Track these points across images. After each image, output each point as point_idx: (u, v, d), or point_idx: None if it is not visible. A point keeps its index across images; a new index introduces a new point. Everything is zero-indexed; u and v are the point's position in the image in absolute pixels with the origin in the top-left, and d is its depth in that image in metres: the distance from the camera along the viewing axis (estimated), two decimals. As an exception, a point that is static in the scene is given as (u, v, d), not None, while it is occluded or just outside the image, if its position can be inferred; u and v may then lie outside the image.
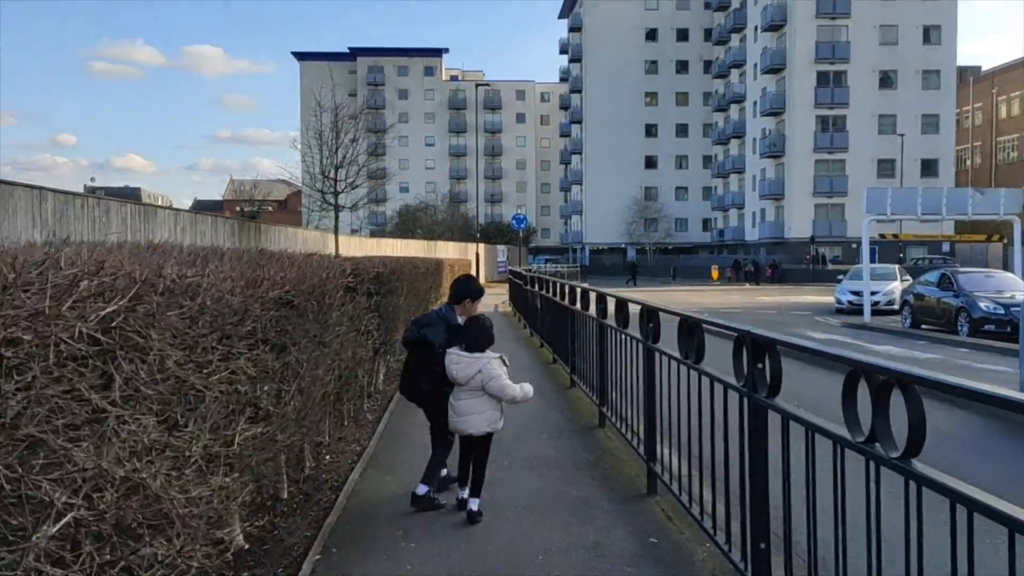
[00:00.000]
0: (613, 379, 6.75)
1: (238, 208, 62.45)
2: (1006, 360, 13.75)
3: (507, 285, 29.18)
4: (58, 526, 1.80)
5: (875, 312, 22.22)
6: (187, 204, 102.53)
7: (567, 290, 9.93)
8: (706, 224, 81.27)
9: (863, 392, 2.47)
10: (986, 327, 17.09)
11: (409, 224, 66.18)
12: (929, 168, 59.47)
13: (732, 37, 73.58)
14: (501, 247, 62.57)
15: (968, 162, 68.49)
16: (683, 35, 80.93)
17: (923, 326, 19.46)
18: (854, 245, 54.31)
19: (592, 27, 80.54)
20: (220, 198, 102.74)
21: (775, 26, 62.97)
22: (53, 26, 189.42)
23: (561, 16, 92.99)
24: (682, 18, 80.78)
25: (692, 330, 4.32)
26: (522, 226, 46.80)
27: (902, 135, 56.98)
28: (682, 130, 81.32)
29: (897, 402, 2.29)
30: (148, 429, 2.39)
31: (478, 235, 61.40)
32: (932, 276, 20.53)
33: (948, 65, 60.57)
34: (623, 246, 78.58)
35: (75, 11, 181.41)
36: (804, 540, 3.04)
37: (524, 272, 19.81)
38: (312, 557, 4.28)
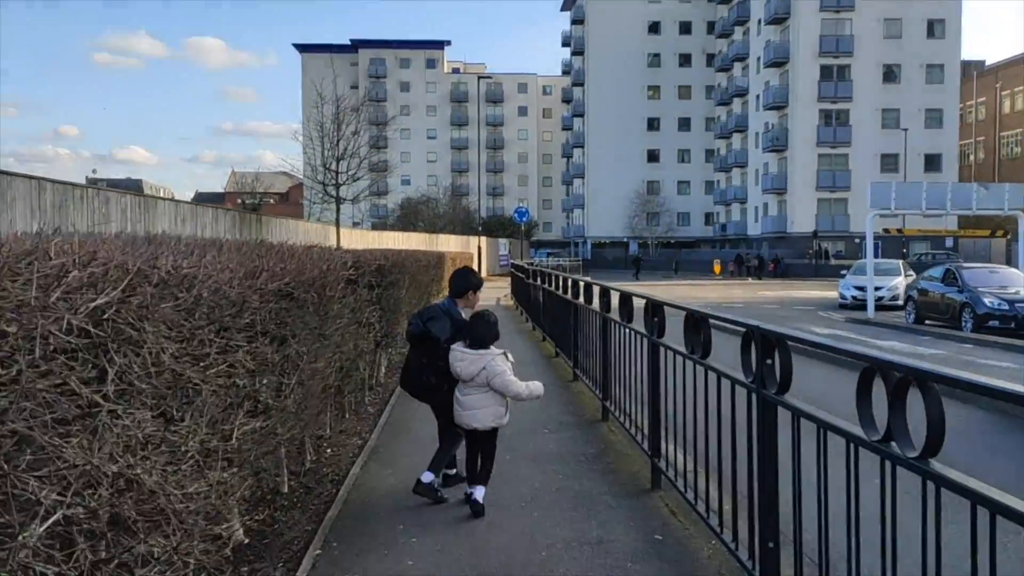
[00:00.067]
0: (616, 374, 6.69)
1: (240, 200, 62.40)
2: (1010, 356, 13.69)
3: (509, 279, 29.12)
4: (46, 525, 1.73)
5: (879, 307, 22.13)
6: (189, 196, 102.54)
7: (570, 284, 9.86)
8: (708, 218, 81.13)
9: (876, 389, 2.41)
10: (990, 323, 17.02)
11: (411, 217, 66.02)
12: (932, 163, 59.26)
13: (735, 30, 73.29)
14: (503, 240, 62.50)
15: (971, 157, 68.27)
16: (686, 28, 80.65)
17: (927, 322, 19.38)
18: (857, 240, 54.21)
19: (595, 20, 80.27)
20: (222, 190, 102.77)
21: (778, 19, 62.70)
22: (55, 17, 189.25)
23: (564, 8, 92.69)
24: (685, 11, 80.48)
25: (698, 325, 4.25)
26: (524, 219, 46.73)
27: (905, 130, 56.74)
28: (684, 124, 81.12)
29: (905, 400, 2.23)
30: (142, 424, 2.33)
31: (480, 228, 61.32)
32: (936, 272, 20.43)
33: (952, 59, 60.29)
34: (625, 240, 78.47)
35: (77, 2, 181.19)
36: (813, 540, 2.98)
37: (526, 266, 19.74)
38: (312, 552, 4.22)
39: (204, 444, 2.94)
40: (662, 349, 5.06)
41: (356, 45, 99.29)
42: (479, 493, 4.87)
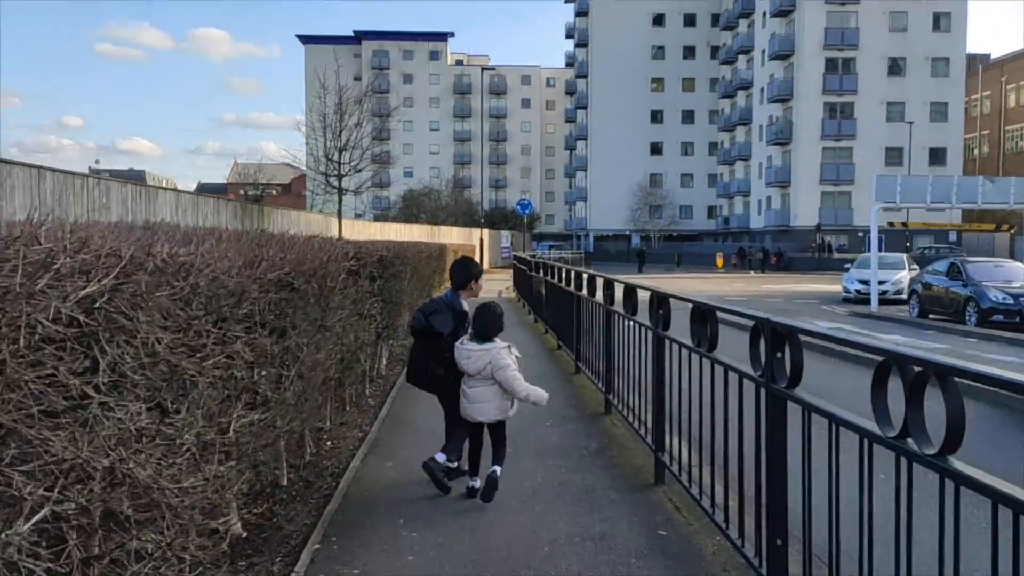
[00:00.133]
0: (620, 367, 6.62)
1: (242, 192, 62.30)
2: (1015, 350, 13.61)
3: (511, 271, 29.05)
4: (31, 522, 1.66)
5: (883, 301, 22.05)
6: (192, 188, 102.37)
7: (573, 276, 9.79)
8: (711, 211, 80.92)
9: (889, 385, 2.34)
10: (995, 317, 16.93)
11: (413, 209, 65.96)
12: (937, 157, 59.00)
13: (740, 23, 72.94)
14: (505, 233, 62.41)
15: (976, 151, 67.97)
16: (690, 20, 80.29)
17: (930, 316, 19.30)
18: (860, 234, 54.09)
19: (599, 12, 79.93)
20: (224, 181, 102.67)
21: (784, 12, 62.38)
22: (59, 7, 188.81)
23: (567, 0, 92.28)
24: (689, 3, 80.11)
25: (705, 318, 4.17)
26: (527, 212, 46.58)
27: (910, 123, 56.51)
28: (688, 116, 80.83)
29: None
30: (136, 416, 2.26)
31: (482, 220, 61.19)
32: (940, 265, 20.34)
33: (957, 53, 59.96)
34: (627, 233, 78.30)
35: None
36: (821, 538, 2.91)
37: (529, 258, 19.66)
38: (311, 546, 4.17)
39: (200, 437, 2.87)
40: (667, 342, 4.99)
41: (360, 37, 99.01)
42: (497, 471, 4.89)
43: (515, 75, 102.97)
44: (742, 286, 33.81)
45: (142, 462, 2.32)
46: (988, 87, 67.45)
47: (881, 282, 22.57)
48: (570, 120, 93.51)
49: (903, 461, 2.29)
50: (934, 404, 2.14)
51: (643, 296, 5.98)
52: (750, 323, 3.47)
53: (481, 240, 48.92)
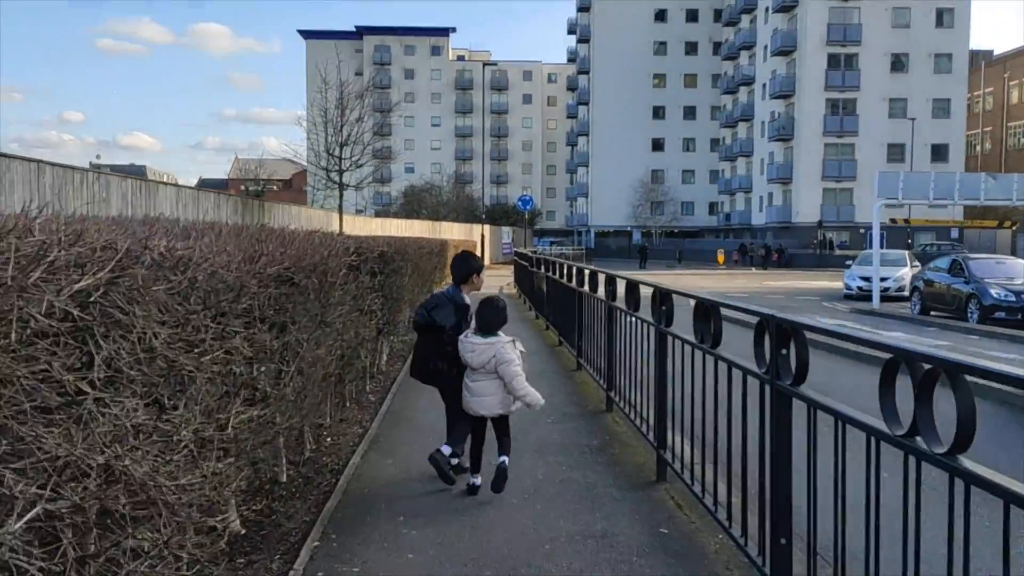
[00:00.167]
0: (622, 363, 6.58)
1: (243, 187, 62.25)
2: (1016, 347, 13.56)
3: (512, 267, 29.00)
4: (23, 521, 1.63)
5: (884, 298, 21.99)
6: (193, 183, 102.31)
7: (575, 272, 9.75)
8: (712, 208, 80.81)
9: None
10: (997, 314, 16.87)
11: (414, 205, 65.89)
12: (939, 153, 58.87)
13: (742, 18, 72.77)
14: (506, 229, 62.33)
15: (978, 147, 67.82)
16: (692, 15, 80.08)
17: (932, 312, 19.24)
18: (862, 230, 54.01)
19: (601, 7, 79.73)
20: (226, 177, 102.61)
21: (786, 7, 62.22)
22: (60, 3, 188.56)
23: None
24: (692, -1, 79.96)
25: (709, 314, 4.13)
26: (528, 207, 46.51)
27: (913, 119, 56.38)
28: (690, 112, 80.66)
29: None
30: (132, 413, 2.22)
31: (483, 216, 61.14)
32: (942, 262, 20.28)
33: (960, 49, 59.80)
34: (629, 229, 78.23)
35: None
36: (825, 537, 2.88)
37: (530, 254, 19.62)
38: (311, 543, 4.13)
39: (198, 434, 2.84)
40: (670, 338, 4.95)
41: (361, 32, 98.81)
42: (506, 461, 4.92)
43: (517, 71, 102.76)
44: (743, 283, 33.75)
45: (138, 459, 2.28)
46: (991, 83, 67.29)
47: (883, 279, 22.51)
48: (572, 116, 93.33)
49: (911, 460, 2.26)
50: (938, 402, 2.11)
51: (645, 292, 5.94)
52: (754, 320, 3.44)
53: (482, 236, 48.89)
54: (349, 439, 6.32)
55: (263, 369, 3.85)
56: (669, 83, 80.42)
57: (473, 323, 5.14)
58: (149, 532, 2.42)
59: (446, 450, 5.06)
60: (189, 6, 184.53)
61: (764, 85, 66.52)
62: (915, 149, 56.17)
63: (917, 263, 25.91)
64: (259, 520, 4.47)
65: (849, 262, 28.30)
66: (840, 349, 11.04)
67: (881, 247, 23.28)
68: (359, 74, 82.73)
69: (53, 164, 11.20)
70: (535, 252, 23.22)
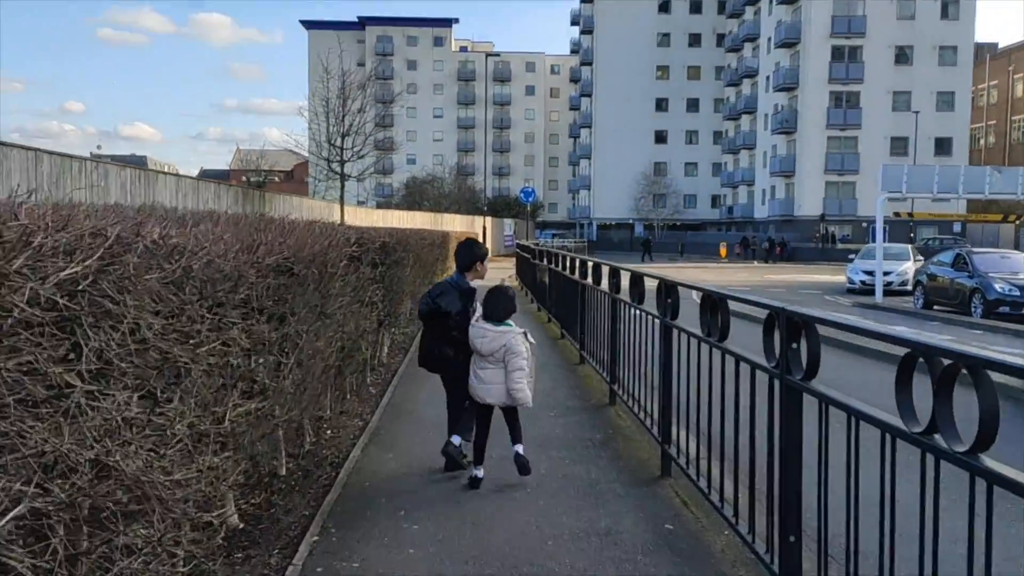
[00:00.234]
0: (626, 357, 6.51)
1: (244, 178, 62.11)
2: (1021, 342, 13.48)
3: (514, 259, 28.92)
4: (7, 518, 1.56)
5: (887, 292, 21.90)
6: (194, 173, 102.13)
7: (577, 264, 9.67)
8: (715, 200, 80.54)
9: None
10: (1000, 309, 16.79)
11: (416, 196, 65.75)
12: (943, 147, 58.56)
13: (746, 10, 72.39)
14: (508, 221, 62.21)
15: (982, 141, 67.54)
16: (696, 7, 79.66)
17: (935, 307, 19.15)
18: (864, 224, 53.83)
19: (604, -2, 79.31)
20: (227, 168, 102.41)
21: (790, -1, 61.90)
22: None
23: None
24: (695, -10, 79.49)
25: (716, 307, 4.06)
26: (530, 199, 46.40)
27: (917, 112, 56.10)
28: (693, 104, 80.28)
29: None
30: (123, 406, 2.15)
31: (485, 208, 61.00)
32: (946, 256, 20.18)
33: (965, 42, 59.39)
34: (631, 221, 78.00)
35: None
36: (836, 536, 2.80)
37: (532, 246, 19.53)
38: (310, 538, 4.07)
39: (194, 427, 2.77)
40: (675, 331, 4.88)
41: (363, 22, 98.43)
42: (520, 448, 4.97)
43: (519, 62, 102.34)
44: (745, 276, 33.65)
45: (130, 454, 2.21)
46: (995, 76, 66.95)
47: (886, 273, 22.39)
48: (574, 108, 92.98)
49: (929, 458, 2.18)
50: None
51: (650, 285, 5.86)
52: (761, 313, 3.36)
53: (484, 228, 48.79)
54: (349, 432, 6.25)
55: (261, 361, 3.78)
56: (672, 75, 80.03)
57: (480, 310, 5.08)
58: (143, 528, 2.35)
59: (456, 440, 5.09)
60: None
61: (768, 77, 66.18)
62: (919, 143, 55.90)
63: (920, 257, 25.79)
64: (258, 514, 4.40)
65: (851, 256, 28.18)
66: (846, 344, 10.94)
67: (884, 241, 23.16)
68: (361, 64, 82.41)
69: (51, 153, 11.10)
70: (537, 244, 23.13)
